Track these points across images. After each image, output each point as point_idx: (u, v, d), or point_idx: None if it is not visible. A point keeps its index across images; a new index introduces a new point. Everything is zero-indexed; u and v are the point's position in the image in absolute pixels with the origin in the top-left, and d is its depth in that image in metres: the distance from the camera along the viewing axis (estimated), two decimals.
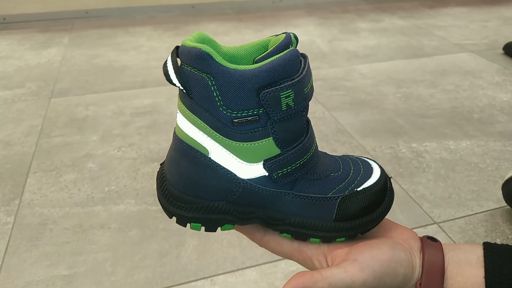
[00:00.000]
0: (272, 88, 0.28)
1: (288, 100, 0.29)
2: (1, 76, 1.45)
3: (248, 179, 0.32)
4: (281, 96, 0.29)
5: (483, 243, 0.33)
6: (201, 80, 0.29)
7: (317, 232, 0.33)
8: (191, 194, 0.32)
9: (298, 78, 0.29)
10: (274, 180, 0.32)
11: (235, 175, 0.31)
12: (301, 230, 0.33)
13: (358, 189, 0.34)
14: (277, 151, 0.31)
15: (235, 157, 0.31)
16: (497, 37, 1.82)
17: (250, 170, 0.31)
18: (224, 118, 0.29)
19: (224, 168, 0.31)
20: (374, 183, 0.34)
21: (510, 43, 1.60)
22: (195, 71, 0.29)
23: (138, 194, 0.88)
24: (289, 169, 0.32)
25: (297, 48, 0.31)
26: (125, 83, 1.39)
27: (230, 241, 0.76)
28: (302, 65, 0.30)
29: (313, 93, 0.35)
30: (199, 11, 2.26)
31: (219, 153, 0.31)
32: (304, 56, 0.31)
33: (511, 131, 1.10)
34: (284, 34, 0.30)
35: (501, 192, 0.83)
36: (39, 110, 1.22)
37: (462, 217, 0.82)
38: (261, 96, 0.28)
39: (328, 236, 0.33)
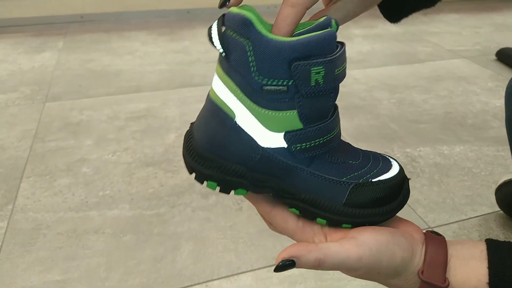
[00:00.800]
0: (305, 62, 0.29)
1: (318, 77, 0.30)
2: None
3: (267, 147, 0.32)
4: (312, 71, 0.30)
5: (485, 239, 0.33)
6: (240, 45, 0.30)
7: (324, 213, 0.33)
8: (214, 153, 0.34)
9: (331, 57, 0.30)
10: (292, 153, 0.33)
11: (255, 141, 0.32)
12: (309, 208, 0.34)
13: (373, 180, 0.34)
14: (299, 125, 0.32)
15: (258, 123, 0.32)
16: (489, 43, 1.84)
17: (271, 139, 0.32)
18: (255, 84, 0.31)
19: (246, 133, 0.32)
20: (390, 178, 0.34)
21: (503, 49, 1.62)
22: (236, 35, 0.31)
23: (132, 199, 0.87)
24: (307, 145, 0.32)
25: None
26: (120, 88, 1.39)
27: (226, 245, 0.75)
28: (338, 49, 0.31)
29: None
30: (194, 16, 2.27)
31: (245, 118, 0.32)
32: (341, 43, 0.32)
33: (504, 137, 1.11)
34: (325, 17, 0.31)
35: (494, 197, 0.83)
36: (33, 114, 1.21)
37: (456, 221, 0.82)
38: (293, 67, 0.29)
39: (335, 219, 0.33)
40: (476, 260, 0.32)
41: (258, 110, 0.32)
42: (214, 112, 0.33)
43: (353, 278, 0.69)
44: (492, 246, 0.32)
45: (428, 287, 0.31)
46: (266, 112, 0.31)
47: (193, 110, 1.24)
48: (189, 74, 1.50)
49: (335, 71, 0.30)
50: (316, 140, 0.33)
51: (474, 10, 2.42)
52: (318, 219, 0.34)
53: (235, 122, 0.32)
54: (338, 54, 0.30)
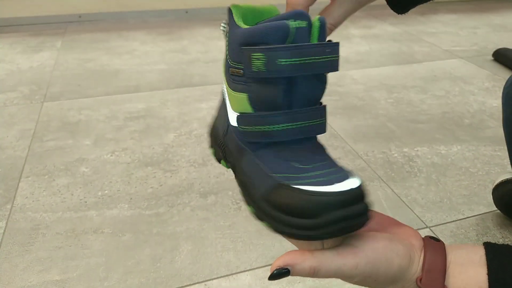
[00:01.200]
0: (247, 47, 0.32)
1: (259, 63, 0.31)
2: None
3: (231, 125, 0.36)
4: (252, 57, 0.31)
5: (483, 243, 0.33)
6: (225, 32, 0.37)
7: (249, 199, 0.33)
8: (215, 127, 0.41)
9: (273, 46, 0.30)
10: (242, 134, 0.35)
11: (228, 117, 0.37)
12: (243, 191, 0.35)
13: (294, 186, 0.29)
14: (250, 109, 0.34)
15: (228, 101, 0.37)
16: (486, 43, 1.85)
17: (232, 117, 0.36)
18: (227, 65, 0.36)
19: (225, 109, 0.38)
20: (322, 192, 0.28)
21: (500, 50, 1.63)
22: (225, 24, 0.37)
23: (131, 198, 0.87)
24: (250, 128, 0.34)
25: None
26: (118, 87, 1.39)
27: (225, 245, 0.76)
28: (294, 41, 0.31)
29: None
30: (192, 16, 2.27)
31: (225, 96, 0.38)
32: (325, 43, 0.32)
33: (501, 136, 1.12)
34: (300, 11, 0.32)
35: (491, 196, 0.84)
36: (31, 114, 1.21)
37: (453, 221, 0.83)
38: (240, 51, 0.33)
39: (256, 208, 0.32)
40: (475, 266, 0.31)
41: (228, 90, 0.36)
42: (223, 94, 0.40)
43: None
44: (491, 250, 0.32)
45: None
46: (231, 92, 0.35)
47: (192, 110, 1.24)
48: (188, 73, 1.50)
49: (278, 62, 0.30)
50: (259, 127, 0.33)
51: (471, 10, 2.43)
52: (248, 206, 0.34)
53: (223, 100, 0.38)
54: (287, 46, 0.30)
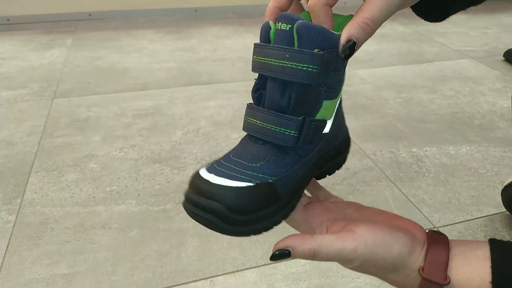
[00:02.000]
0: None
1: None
2: (4, 76, 1.46)
3: None
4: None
5: (488, 239, 0.33)
6: None
7: None
8: None
9: (256, 43, 0.33)
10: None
11: None
12: None
13: (203, 168, 0.33)
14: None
15: None
16: (497, 44, 1.83)
17: None
18: None
19: None
20: (193, 173, 0.32)
21: (511, 50, 1.61)
22: None
23: (139, 194, 0.88)
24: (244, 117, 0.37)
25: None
26: (127, 85, 1.40)
27: (230, 242, 0.76)
28: (275, 42, 0.31)
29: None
30: (201, 15, 2.27)
31: None
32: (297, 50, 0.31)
33: (511, 137, 1.11)
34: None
35: (500, 197, 0.83)
36: (41, 110, 1.23)
37: (461, 221, 0.82)
38: None
39: None
40: (479, 259, 0.31)
41: None
42: None
43: (357, 275, 0.69)
44: (496, 246, 0.32)
45: (428, 284, 0.31)
46: None
47: (200, 108, 1.24)
48: (196, 72, 1.51)
49: (253, 57, 0.33)
50: (244, 116, 0.34)
51: (481, 11, 2.41)
52: None
53: None
54: (261, 44, 0.32)
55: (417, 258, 0.32)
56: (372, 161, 1.00)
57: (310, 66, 0.30)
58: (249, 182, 0.30)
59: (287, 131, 0.31)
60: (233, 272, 0.70)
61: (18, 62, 1.59)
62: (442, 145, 1.07)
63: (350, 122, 1.17)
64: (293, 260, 0.72)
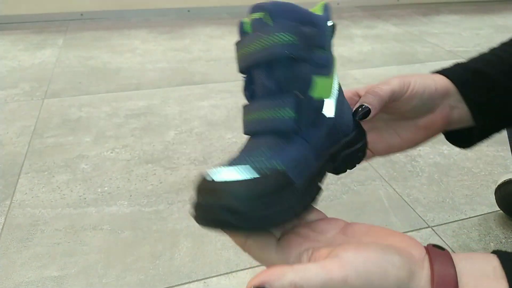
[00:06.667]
0: None
1: None
2: None
3: None
4: None
5: (494, 251, 0.30)
6: None
7: None
8: None
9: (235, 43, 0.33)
10: None
11: None
12: None
13: (212, 168, 0.30)
14: None
15: None
16: (489, 44, 1.83)
17: None
18: None
19: None
20: (200, 173, 0.31)
21: None
22: None
23: (131, 195, 0.87)
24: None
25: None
26: (120, 85, 1.39)
27: (224, 243, 0.75)
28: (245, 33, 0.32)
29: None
30: (194, 15, 2.26)
31: None
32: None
33: (503, 137, 1.11)
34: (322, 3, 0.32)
35: (494, 196, 0.83)
36: (32, 110, 1.21)
37: (455, 221, 0.82)
38: None
39: None
40: (491, 280, 0.28)
41: None
42: None
43: None
44: (507, 262, 0.28)
45: None
46: None
47: (193, 108, 1.24)
48: (189, 72, 1.50)
49: (236, 56, 0.33)
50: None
51: (474, 11, 2.42)
52: None
53: None
54: (238, 40, 0.32)
55: (419, 282, 0.28)
56: (366, 161, 1.00)
57: (286, 36, 0.29)
58: (257, 173, 0.29)
59: (284, 114, 0.30)
60: (227, 273, 0.69)
61: (9, 62, 1.57)
62: (435, 144, 1.07)
63: None
64: None
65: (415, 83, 0.40)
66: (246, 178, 0.28)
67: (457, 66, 0.43)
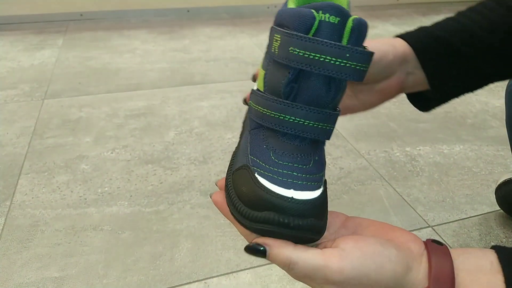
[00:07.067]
0: (275, 27, 0.31)
1: (276, 44, 0.31)
2: None
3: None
4: (274, 37, 0.31)
5: (492, 247, 0.30)
6: None
7: (228, 171, 0.34)
8: None
9: (290, 32, 0.29)
10: (249, 109, 0.35)
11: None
12: (230, 162, 0.35)
13: (255, 173, 0.30)
14: (262, 87, 0.33)
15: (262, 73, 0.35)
16: None
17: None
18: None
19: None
20: (269, 190, 0.29)
21: None
22: None
23: (131, 196, 0.87)
24: (252, 105, 0.34)
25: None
26: (119, 86, 1.39)
27: (225, 243, 0.75)
28: (318, 34, 0.29)
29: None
30: (194, 15, 2.26)
31: None
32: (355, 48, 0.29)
33: (503, 136, 1.11)
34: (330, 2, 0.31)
35: (494, 196, 0.83)
36: (32, 111, 1.21)
37: (456, 220, 0.82)
38: (271, 30, 0.32)
39: (226, 180, 0.34)
40: (487, 274, 0.28)
41: (260, 63, 0.36)
42: None
43: None
44: (504, 256, 0.29)
45: None
46: (260, 66, 0.35)
47: (193, 108, 1.23)
48: (189, 72, 1.50)
49: (290, 49, 0.29)
50: (258, 107, 0.32)
51: None
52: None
53: None
54: (304, 35, 0.29)
55: (416, 276, 0.29)
56: (366, 161, 1.00)
57: (365, 65, 0.30)
58: (319, 187, 0.30)
59: (328, 126, 0.31)
60: (227, 273, 0.69)
61: (8, 62, 1.57)
62: (435, 144, 1.07)
63: (344, 122, 1.17)
64: None
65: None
66: (318, 195, 0.30)
67: (420, 30, 0.43)
